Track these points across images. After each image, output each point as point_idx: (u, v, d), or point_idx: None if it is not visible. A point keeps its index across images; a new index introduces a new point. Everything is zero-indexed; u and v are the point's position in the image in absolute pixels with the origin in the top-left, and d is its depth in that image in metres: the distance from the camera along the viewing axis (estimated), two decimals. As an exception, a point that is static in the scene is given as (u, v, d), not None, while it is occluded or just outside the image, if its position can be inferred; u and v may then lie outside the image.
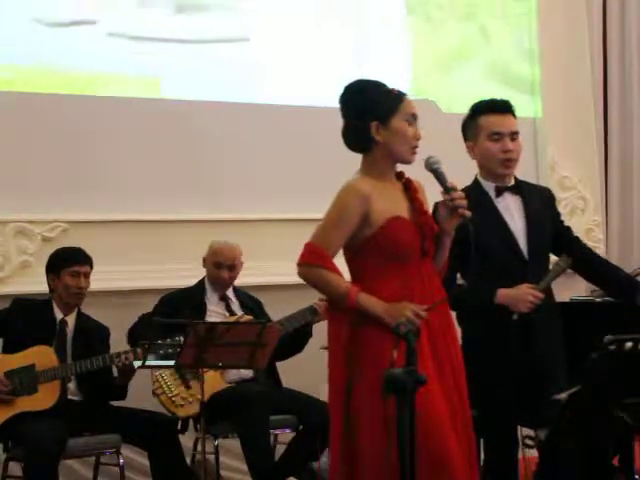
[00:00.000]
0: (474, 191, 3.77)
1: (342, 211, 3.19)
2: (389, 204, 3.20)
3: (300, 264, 3.22)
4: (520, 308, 3.67)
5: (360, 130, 3.20)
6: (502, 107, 3.84)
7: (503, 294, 3.67)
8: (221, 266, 5.01)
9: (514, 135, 3.82)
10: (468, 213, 3.20)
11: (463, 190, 3.64)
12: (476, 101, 3.90)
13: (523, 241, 3.79)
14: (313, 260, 3.19)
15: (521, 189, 3.87)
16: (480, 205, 3.67)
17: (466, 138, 3.87)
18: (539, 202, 3.90)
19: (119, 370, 4.61)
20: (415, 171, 3.28)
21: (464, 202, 3.21)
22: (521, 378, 3.66)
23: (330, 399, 3.25)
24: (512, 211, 3.82)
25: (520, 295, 3.67)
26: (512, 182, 3.86)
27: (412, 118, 3.21)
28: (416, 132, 3.21)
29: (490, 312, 3.63)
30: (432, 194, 3.34)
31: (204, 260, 5.07)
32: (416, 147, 3.22)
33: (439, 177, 3.23)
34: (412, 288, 3.18)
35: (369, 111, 3.19)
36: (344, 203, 3.19)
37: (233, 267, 5.03)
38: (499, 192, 3.82)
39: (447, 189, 3.22)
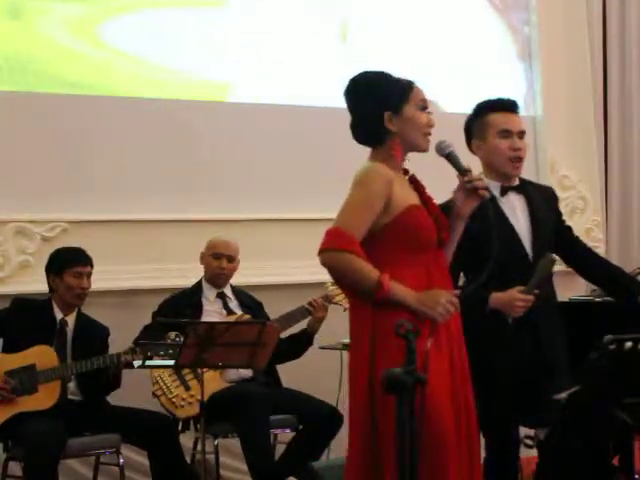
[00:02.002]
0: None
1: (369, 193, 3.05)
2: (405, 193, 3.14)
3: (325, 250, 3.01)
4: (511, 312, 3.66)
5: (373, 122, 3.14)
6: (510, 106, 3.85)
7: (495, 299, 3.65)
8: (220, 257, 5.04)
9: (521, 134, 3.83)
10: (487, 194, 3.16)
11: None
12: (481, 100, 3.90)
13: (527, 241, 3.78)
14: (340, 245, 2.99)
15: (525, 188, 3.87)
16: (484, 205, 3.67)
17: (471, 136, 3.85)
18: (542, 201, 3.90)
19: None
20: (420, 162, 3.26)
21: (483, 182, 3.17)
22: (526, 378, 3.66)
23: (352, 394, 3.08)
24: (517, 211, 3.81)
25: (510, 300, 3.66)
26: (516, 182, 3.86)
27: (423, 104, 3.16)
28: (429, 119, 3.16)
29: (492, 314, 3.62)
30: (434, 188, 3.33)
31: (202, 256, 5.08)
32: (430, 134, 3.16)
33: (453, 160, 3.17)
34: (433, 278, 3.10)
35: (381, 101, 3.13)
36: (371, 185, 3.06)
37: (232, 258, 5.06)
38: (504, 191, 3.82)
39: (463, 171, 3.17)
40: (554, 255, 3.75)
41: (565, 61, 6.68)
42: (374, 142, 3.18)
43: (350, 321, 3.14)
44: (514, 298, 3.65)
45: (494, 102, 3.87)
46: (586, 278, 4.20)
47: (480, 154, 3.84)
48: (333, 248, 3.00)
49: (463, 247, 3.34)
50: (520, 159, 3.81)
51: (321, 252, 3.03)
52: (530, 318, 3.69)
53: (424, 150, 3.18)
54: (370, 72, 3.21)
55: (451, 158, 3.17)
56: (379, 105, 3.13)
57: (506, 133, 3.78)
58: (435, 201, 3.24)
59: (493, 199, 3.77)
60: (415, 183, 3.24)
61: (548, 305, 3.79)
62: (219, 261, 5.04)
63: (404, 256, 3.07)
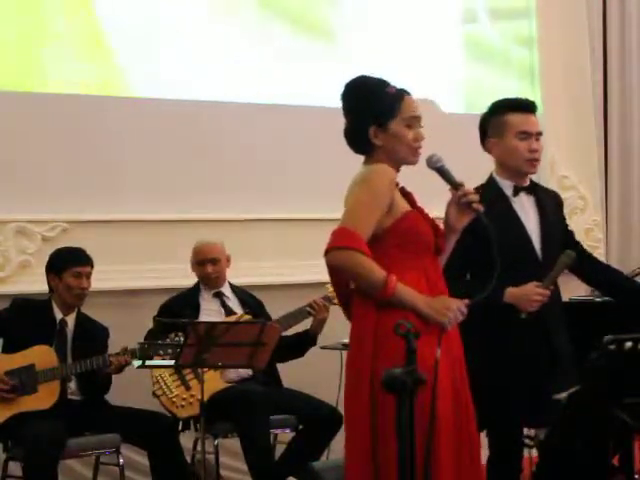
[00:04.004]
0: (489, 188, 3.78)
1: (377, 191, 3.01)
2: (402, 200, 3.12)
3: (331, 248, 2.96)
4: (527, 307, 3.67)
5: (359, 134, 3.12)
6: (529, 106, 3.85)
7: (511, 293, 3.66)
8: (204, 262, 5.06)
9: (539, 135, 3.83)
10: (481, 207, 3.11)
11: (478, 188, 3.66)
12: (499, 99, 3.90)
13: (537, 241, 3.80)
14: (347, 243, 2.94)
15: (535, 190, 3.88)
16: (496, 203, 3.70)
17: (486, 134, 3.84)
18: (550, 204, 3.92)
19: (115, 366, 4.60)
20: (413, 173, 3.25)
21: (476, 196, 3.11)
22: (536, 378, 3.67)
23: (352, 392, 3.05)
24: (527, 211, 3.82)
25: (527, 294, 3.67)
26: (527, 182, 3.87)
27: (413, 120, 3.10)
28: (417, 134, 3.10)
29: (500, 311, 3.62)
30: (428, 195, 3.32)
31: (191, 264, 5.10)
32: (418, 148, 3.11)
33: (445, 174, 3.12)
34: (432, 284, 3.07)
35: (367, 115, 3.09)
36: (378, 184, 3.02)
37: (215, 260, 5.06)
38: (516, 192, 3.82)
39: (456, 185, 3.12)
40: (572, 252, 3.77)
41: (565, 61, 6.68)
42: (363, 152, 3.16)
43: (353, 319, 3.12)
44: (532, 292, 3.66)
45: (513, 101, 3.87)
46: (588, 283, 4.20)
47: (496, 153, 3.82)
48: (339, 247, 2.96)
49: (468, 250, 3.34)
50: (537, 160, 3.82)
51: (327, 252, 2.99)
52: (540, 317, 3.70)
53: (411, 164, 3.14)
54: (364, 80, 3.16)
55: (442, 172, 3.12)
56: (365, 119, 3.10)
57: (524, 135, 3.77)
58: (427, 212, 3.20)
59: (506, 199, 3.80)
60: (406, 195, 3.20)
61: (555, 304, 3.81)
62: (203, 267, 5.05)
63: (404, 260, 3.05)
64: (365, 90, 3.13)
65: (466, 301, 3.04)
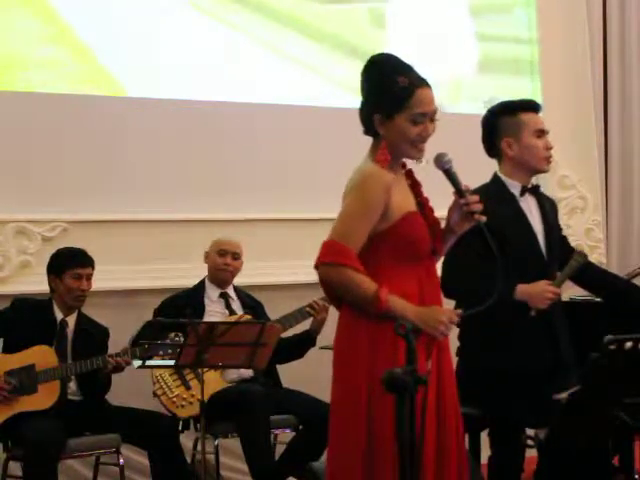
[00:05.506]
0: (495, 188, 3.80)
1: (368, 201, 2.95)
2: (403, 198, 3.04)
3: (321, 264, 2.96)
4: (538, 304, 3.69)
5: (366, 117, 3.05)
6: (538, 106, 3.96)
7: (522, 290, 3.69)
8: (225, 253, 5.06)
9: (547, 134, 3.92)
10: (483, 218, 3.03)
11: (483, 188, 3.66)
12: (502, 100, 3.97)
13: (542, 240, 3.83)
14: (337, 259, 2.92)
15: (537, 192, 3.91)
16: (503, 202, 3.72)
17: (496, 135, 3.86)
18: (549, 208, 3.96)
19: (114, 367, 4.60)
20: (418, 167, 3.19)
21: (480, 206, 3.03)
22: (539, 378, 3.67)
23: (342, 401, 3.04)
24: (532, 211, 3.86)
25: (538, 292, 3.70)
26: (530, 184, 3.89)
27: (420, 117, 2.99)
28: (422, 131, 2.99)
29: (505, 310, 3.62)
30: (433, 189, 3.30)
31: (206, 255, 5.09)
32: (421, 143, 3.01)
33: (452, 178, 3.04)
34: (425, 288, 3.04)
35: (374, 102, 3.02)
36: (370, 192, 2.95)
37: (237, 255, 5.07)
38: (522, 192, 3.84)
39: (461, 192, 3.04)
40: (584, 252, 3.81)
41: (565, 62, 6.68)
42: (369, 135, 3.09)
43: (342, 321, 3.10)
44: (545, 290, 3.69)
45: (525, 102, 3.96)
46: (584, 288, 4.22)
47: (512, 152, 3.84)
48: (328, 262, 2.95)
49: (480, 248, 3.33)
50: (551, 157, 3.91)
51: (318, 266, 2.98)
52: (548, 317, 3.71)
53: (413, 159, 3.07)
54: (382, 61, 3.06)
55: (450, 175, 3.05)
56: (372, 106, 3.03)
57: (540, 133, 3.87)
58: (431, 204, 3.15)
59: (513, 199, 3.82)
60: (412, 180, 3.15)
61: (559, 305, 3.83)
62: (224, 258, 5.05)
63: (397, 268, 3.01)
64: (378, 75, 3.04)
65: (459, 311, 3.02)
